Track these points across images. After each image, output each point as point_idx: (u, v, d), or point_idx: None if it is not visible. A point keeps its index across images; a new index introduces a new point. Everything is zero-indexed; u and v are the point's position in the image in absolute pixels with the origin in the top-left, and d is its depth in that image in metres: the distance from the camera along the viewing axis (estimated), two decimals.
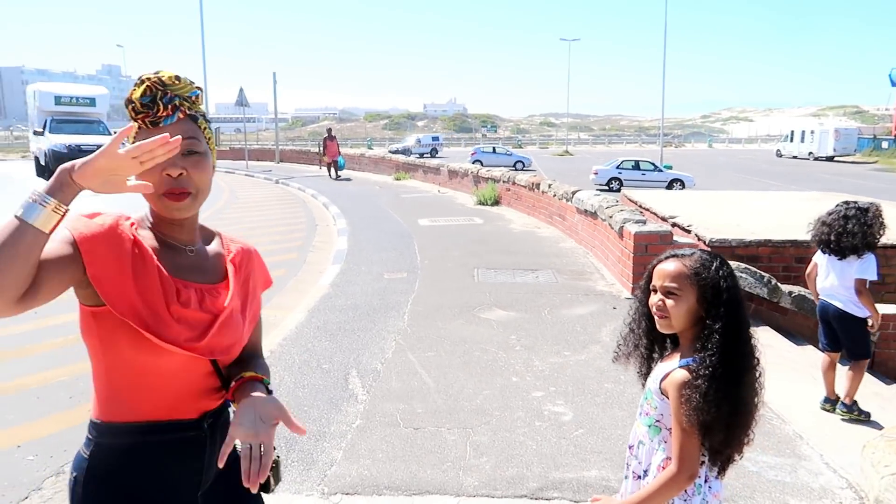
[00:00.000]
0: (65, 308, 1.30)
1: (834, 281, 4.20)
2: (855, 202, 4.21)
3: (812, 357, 5.23)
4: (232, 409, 1.44)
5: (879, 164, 41.51)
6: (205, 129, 1.43)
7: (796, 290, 6.25)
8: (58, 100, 23.05)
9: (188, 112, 1.38)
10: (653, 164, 25.49)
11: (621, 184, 23.23)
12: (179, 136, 1.25)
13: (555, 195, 11.16)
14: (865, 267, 4.06)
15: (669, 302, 1.73)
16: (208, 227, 1.57)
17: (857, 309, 4.11)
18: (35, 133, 23.96)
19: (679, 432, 1.67)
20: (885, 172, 35.03)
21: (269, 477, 1.48)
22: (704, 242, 7.49)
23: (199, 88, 1.41)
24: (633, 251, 6.85)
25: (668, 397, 1.73)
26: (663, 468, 1.74)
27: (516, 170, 23.68)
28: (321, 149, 23.36)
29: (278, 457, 1.50)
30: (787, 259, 7.36)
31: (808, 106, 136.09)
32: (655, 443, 1.79)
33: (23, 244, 1.13)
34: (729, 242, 7.34)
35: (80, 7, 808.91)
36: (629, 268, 6.95)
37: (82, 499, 1.38)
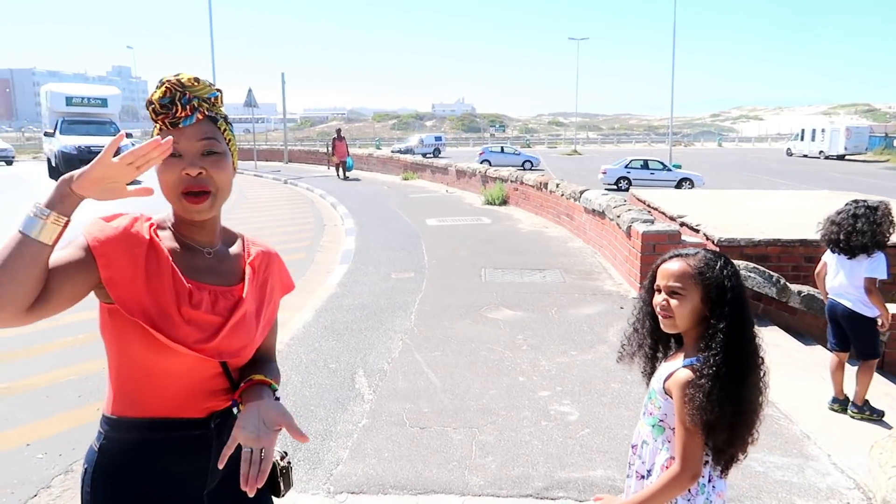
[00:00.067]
0: (74, 308, 1.32)
1: (843, 280, 4.17)
2: (864, 201, 4.18)
3: (821, 357, 5.19)
4: (237, 410, 1.45)
5: (891, 162, 41.15)
6: (225, 130, 1.44)
7: (805, 289, 6.21)
8: (69, 100, 22.84)
9: (207, 113, 1.40)
10: (662, 163, 25.40)
11: (630, 183, 23.16)
12: (171, 137, 1.27)
13: (563, 195, 11.14)
14: (875, 266, 4.03)
15: (673, 302, 1.73)
16: (231, 229, 1.58)
17: (867, 308, 4.08)
18: (46, 134, 23.93)
19: (682, 432, 1.67)
20: None
21: (279, 481, 1.51)
22: (713, 242, 7.46)
23: (218, 90, 1.42)
24: (641, 251, 6.83)
25: (671, 397, 1.72)
26: (667, 468, 1.73)
27: (524, 169, 23.69)
28: (330, 149, 23.38)
29: (289, 463, 1.52)
30: (796, 258, 7.32)
31: (819, 104, 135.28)
32: (659, 442, 1.79)
33: (25, 258, 1.17)
34: (738, 242, 7.30)
35: (90, 9, 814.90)
36: (637, 267, 6.93)
37: (91, 491, 1.41)
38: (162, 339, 1.31)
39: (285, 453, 1.53)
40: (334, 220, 13.14)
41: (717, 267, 1.71)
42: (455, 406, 4.12)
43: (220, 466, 1.34)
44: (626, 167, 24.78)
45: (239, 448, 1.35)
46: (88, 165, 1.23)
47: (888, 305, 4.19)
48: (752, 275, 6.18)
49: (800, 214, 9.00)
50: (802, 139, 48.65)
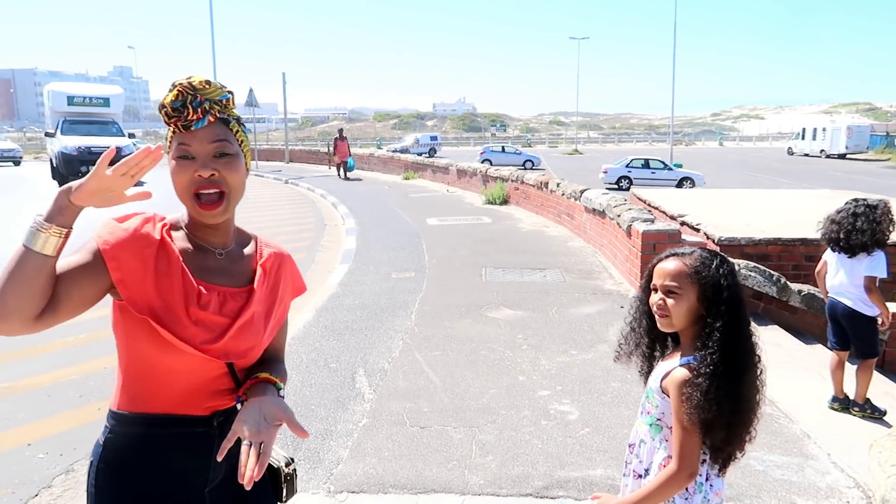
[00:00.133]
0: None
1: (843, 279, 4.17)
2: (864, 199, 4.18)
3: (821, 356, 5.19)
4: (240, 407, 1.46)
5: (892, 161, 41.09)
6: (237, 131, 1.45)
7: (806, 288, 6.21)
8: (70, 100, 22.17)
9: (219, 115, 1.41)
10: (662, 162, 25.38)
11: (631, 182, 23.15)
12: (160, 144, 1.31)
13: (563, 194, 11.14)
14: (875, 264, 4.03)
15: (670, 301, 1.73)
16: (246, 231, 1.60)
17: (867, 307, 4.08)
18: (46, 134, 23.66)
19: (680, 430, 1.67)
20: None
21: (283, 487, 1.52)
22: (713, 241, 7.46)
23: (229, 92, 1.44)
24: (641, 250, 6.83)
25: (669, 396, 1.73)
26: (665, 466, 1.73)
27: (525, 169, 23.70)
28: (331, 149, 23.36)
29: (294, 470, 1.53)
30: (796, 257, 7.32)
31: (820, 103, 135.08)
32: (657, 441, 1.79)
33: (29, 269, 1.21)
34: (738, 241, 7.30)
35: (91, 9, 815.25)
36: (637, 266, 6.93)
37: (95, 483, 1.44)
38: (169, 337, 1.33)
39: (292, 459, 1.54)
40: (335, 219, 13.14)
41: (714, 266, 1.71)
42: (455, 405, 4.12)
43: (220, 459, 1.34)
44: (627, 166, 24.77)
45: (240, 444, 1.36)
46: (84, 178, 1.25)
47: (888, 304, 4.19)
48: (753, 274, 6.18)
49: (800, 213, 9.00)
50: (803, 138, 48.60)
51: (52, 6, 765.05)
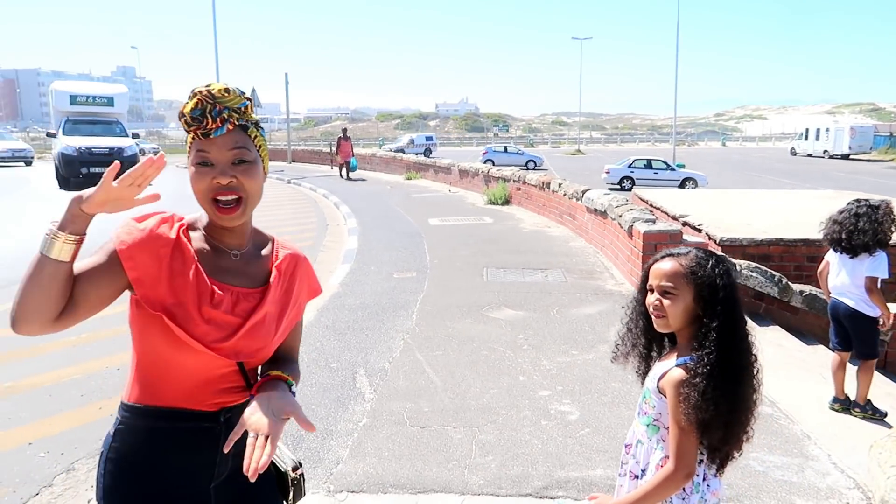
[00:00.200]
0: None
1: (845, 279, 4.17)
2: (866, 200, 4.18)
3: (822, 357, 5.18)
4: None
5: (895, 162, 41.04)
6: (255, 136, 1.48)
7: (807, 289, 6.20)
8: (73, 99, 21.43)
9: (237, 122, 1.43)
10: (665, 162, 25.35)
11: (633, 183, 23.12)
12: (163, 153, 1.34)
13: (565, 194, 11.13)
14: (876, 265, 4.03)
15: (666, 301, 1.73)
16: (263, 232, 1.63)
17: (869, 308, 4.08)
18: (48, 135, 23.28)
19: (677, 430, 1.67)
20: None
21: (291, 491, 1.54)
22: (715, 241, 7.45)
23: (248, 99, 1.46)
24: (643, 250, 6.83)
25: (666, 396, 1.73)
26: (662, 467, 1.73)
27: (528, 169, 23.70)
28: (334, 148, 23.35)
29: (302, 475, 1.55)
30: (798, 258, 7.31)
31: (824, 103, 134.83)
32: (654, 442, 1.79)
33: (45, 275, 1.27)
34: (740, 241, 7.30)
35: (94, 10, 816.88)
36: (638, 267, 6.92)
37: (104, 473, 1.48)
38: (180, 334, 1.37)
39: (299, 464, 1.56)
40: (337, 219, 13.16)
41: (709, 266, 1.71)
42: (455, 405, 4.13)
43: (226, 451, 1.37)
44: (629, 167, 24.74)
45: (247, 440, 1.38)
46: (94, 189, 1.30)
47: (890, 305, 4.18)
48: (754, 274, 6.17)
49: (803, 214, 8.99)
50: (806, 138, 48.50)
51: (55, 6, 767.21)
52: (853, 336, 4.19)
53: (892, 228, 4.04)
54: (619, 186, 23.42)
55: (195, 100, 1.40)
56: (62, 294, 1.29)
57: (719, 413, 1.63)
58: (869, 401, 4.10)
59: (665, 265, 1.76)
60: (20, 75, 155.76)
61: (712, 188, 20.82)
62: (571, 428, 3.82)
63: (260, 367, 1.56)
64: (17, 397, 4.45)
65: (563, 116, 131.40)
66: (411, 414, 4.01)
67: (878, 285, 4.05)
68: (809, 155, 47.11)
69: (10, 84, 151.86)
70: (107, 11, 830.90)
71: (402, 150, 40.85)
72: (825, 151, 45.68)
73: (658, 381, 1.77)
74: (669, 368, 1.74)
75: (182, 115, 1.41)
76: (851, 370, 4.25)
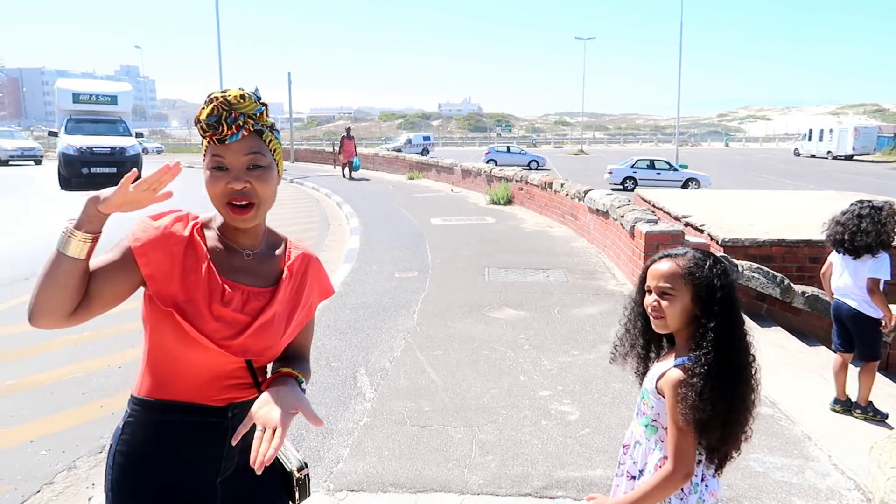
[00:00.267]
0: None
1: (848, 280, 4.16)
2: (869, 201, 4.17)
3: (824, 358, 5.17)
4: None
5: None
6: (270, 141, 1.50)
7: (809, 290, 6.19)
8: (76, 97, 20.88)
9: (253, 128, 1.45)
10: (668, 163, 25.34)
11: (636, 183, 23.09)
12: (178, 161, 1.37)
13: (567, 194, 11.13)
14: (879, 266, 4.02)
15: (664, 302, 1.73)
16: (276, 232, 1.66)
17: (871, 309, 4.07)
18: (50, 133, 22.60)
19: (675, 431, 1.67)
20: None
21: (296, 491, 1.55)
22: (717, 242, 7.44)
23: (263, 105, 1.48)
24: (645, 251, 6.82)
25: (664, 397, 1.73)
26: (660, 467, 1.73)
27: (530, 169, 23.67)
28: (337, 148, 23.33)
29: (307, 475, 1.56)
30: (800, 259, 7.31)
31: (827, 104, 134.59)
32: (652, 442, 1.79)
33: (61, 272, 1.31)
34: (742, 242, 7.29)
35: (98, 9, 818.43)
36: (640, 267, 6.89)
37: (112, 465, 1.51)
38: (190, 331, 1.40)
39: (305, 465, 1.57)
40: (339, 219, 13.17)
41: (707, 266, 1.71)
42: (456, 405, 4.13)
43: (234, 443, 1.39)
44: (632, 167, 24.72)
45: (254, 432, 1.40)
46: (111, 192, 1.33)
47: (892, 307, 4.17)
48: (756, 275, 6.16)
49: (805, 215, 8.97)
50: (810, 139, 48.41)
51: (59, 6, 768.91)
52: (855, 337, 4.19)
53: (895, 230, 4.03)
54: (621, 187, 23.39)
55: (211, 106, 1.42)
56: (78, 290, 1.33)
57: (717, 413, 1.63)
58: (870, 402, 4.09)
59: (663, 266, 1.76)
60: (24, 74, 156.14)
61: (715, 189, 20.80)
62: (571, 428, 3.82)
63: (271, 365, 1.59)
64: (19, 395, 4.46)
65: (567, 116, 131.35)
66: (412, 413, 4.01)
67: (881, 286, 4.05)
68: (813, 156, 47.02)
69: (14, 83, 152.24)
70: (110, 11, 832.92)
71: (399, 150, 40.88)
72: (829, 152, 45.59)
73: (656, 381, 1.77)
74: (668, 369, 1.74)
75: (198, 121, 1.44)
76: (853, 371, 4.24)
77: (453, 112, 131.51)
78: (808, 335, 6.00)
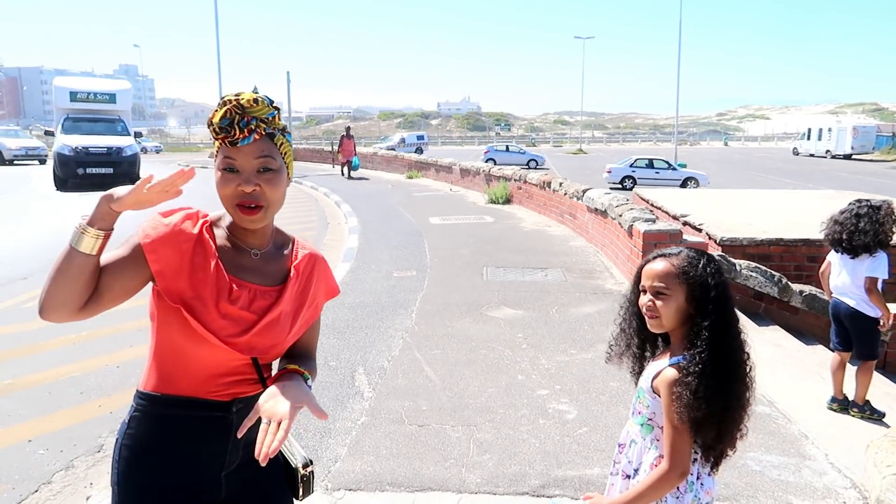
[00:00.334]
0: None
1: (846, 279, 4.17)
2: (868, 200, 4.18)
3: (821, 356, 5.18)
4: None
5: None
6: (281, 144, 1.52)
7: (807, 289, 6.20)
8: (73, 96, 20.27)
9: (265, 132, 1.47)
10: (667, 162, 25.35)
11: (635, 182, 23.11)
12: (193, 167, 1.40)
13: (565, 193, 11.13)
14: (876, 265, 4.03)
15: (659, 302, 1.74)
16: (284, 232, 1.67)
17: (870, 308, 4.08)
18: (46, 133, 22.45)
19: (671, 430, 1.68)
20: None
21: (300, 486, 1.57)
22: (715, 241, 7.46)
23: (276, 108, 1.50)
24: (643, 250, 6.82)
25: (659, 395, 1.73)
26: (656, 466, 1.74)
27: (529, 168, 23.69)
28: (336, 147, 23.30)
29: (312, 472, 1.58)
30: (798, 258, 7.32)
31: (826, 103, 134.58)
32: (648, 441, 1.80)
33: (73, 267, 1.34)
34: (740, 241, 7.31)
35: (97, 9, 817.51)
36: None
37: (118, 458, 1.54)
38: (197, 328, 1.42)
39: (310, 461, 1.59)
40: (338, 218, 13.16)
41: (701, 265, 1.72)
42: (454, 404, 4.13)
43: (240, 435, 1.41)
44: (630, 166, 24.73)
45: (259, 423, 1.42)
46: (125, 193, 1.36)
47: (890, 305, 4.18)
48: (754, 274, 6.17)
49: (804, 214, 8.99)
50: (809, 138, 48.44)
51: (58, 5, 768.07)
52: (853, 336, 4.19)
53: (893, 229, 4.04)
54: (620, 186, 23.41)
55: (224, 109, 1.43)
56: (88, 285, 1.36)
57: (713, 411, 1.64)
58: (867, 401, 4.10)
59: (657, 266, 1.76)
60: (23, 73, 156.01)
61: (714, 188, 20.80)
62: (569, 427, 3.83)
63: (277, 362, 1.61)
64: (17, 395, 4.46)
65: (566, 115, 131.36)
66: (410, 412, 4.01)
67: (879, 286, 4.05)
68: (812, 155, 47.05)
69: (12, 82, 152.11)
70: (109, 10, 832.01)
71: (392, 149, 40.85)
72: (827, 151, 45.62)
73: (652, 380, 1.77)
74: (663, 368, 1.74)
75: (210, 123, 1.46)
76: (850, 370, 4.25)
77: (452, 111, 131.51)
78: (806, 334, 6.01)
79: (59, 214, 13.03)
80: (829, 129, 47.51)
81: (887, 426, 3.93)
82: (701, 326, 1.67)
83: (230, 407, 1.52)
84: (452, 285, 7.15)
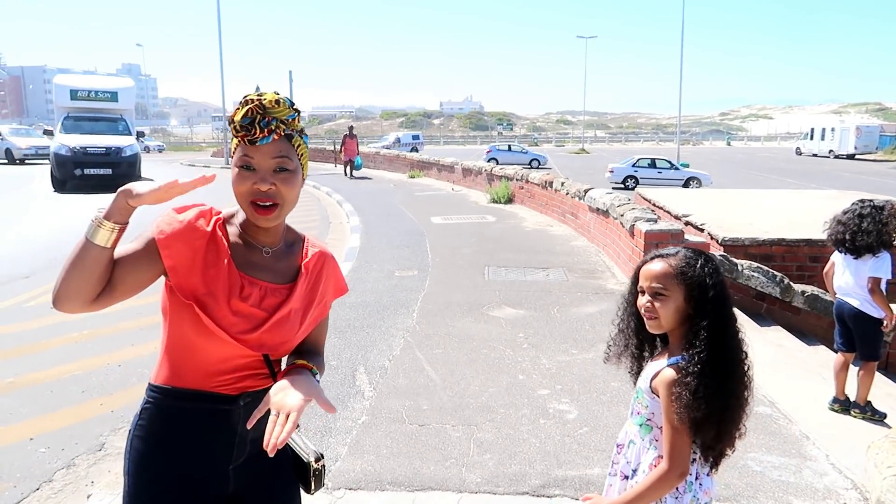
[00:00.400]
0: None
1: (849, 280, 4.16)
2: (871, 200, 4.17)
3: (823, 357, 5.17)
4: None
5: None
6: (299, 145, 1.55)
7: (809, 289, 6.18)
8: (74, 94, 19.76)
9: (283, 132, 1.49)
10: (669, 162, 25.31)
11: (637, 182, 23.08)
12: (214, 173, 1.43)
13: (567, 193, 11.13)
14: (880, 265, 4.02)
15: (657, 303, 1.74)
16: (295, 230, 1.69)
17: (873, 309, 4.07)
18: (46, 132, 21.11)
19: (670, 430, 1.68)
20: None
21: (311, 481, 1.58)
22: (717, 241, 7.44)
23: (296, 110, 1.52)
24: (644, 250, 6.81)
25: (658, 396, 1.73)
26: (655, 467, 1.74)
27: (532, 168, 23.68)
28: (339, 146, 23.29)
29: (323, 466, 1.59)
30: (801, 258, 7.30)
31: (829, 103, 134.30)
32: (647, 441, 1.80)
33: (88, 259, 1.36)
34: (742, 241, 7.29)
35: (99, 8, 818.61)
36: None
37: (130, 448, 1.57)
38: (209, 324, 1.45)
39: (322, 455, 1.60)
40: (340, 217, 13.18)
41: (699, 265, 1.71)
42: (454, 404, 4.13)
43: (249, 427, 1.45)
44: (633, 166, 24.69)
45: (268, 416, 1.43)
46: (146, 191, 1.37)
47: (893, 306, 4.17)
48: (756, 274, 6.16)
49: (806, 214, 8.97)
50: (812, 138, 48.35)
51: (61, 5, 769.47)
52: (856, 337, 4.18)
53: None
54: (622, 185, 23.38)
55: (246, 108, 1.45)
56: (102, 277, 1.38)
57: (712, 411, 1.64)
58: (869, 402, 4.09)
59: (655, 266, 1.76)
60: (26, 72, 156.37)
61: (716, 188, 20.77)
62: (570, 427, 3.83)
63: (286, 358, 1.63)
64: (19, 393, 4.47)
65: (568, 115, 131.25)
66: (410, 412, 4.01)
67: (882, 286, 4.04)
68: (815, 155, 46.97)
69: (15, 81, 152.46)
70: (111, 9, 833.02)
71: (389, 149, 40.74)
72: (830, 151, 45.53)
73: (650, 381, 1.77)
74: (661, 368, 1.74)
75: (231, 121, 1.47)
76: (852, 371, 4.24)
77: (455, 110, 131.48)
78: (808, 334, 6.00)
79: (61, 214, 13.05)
80: (833, 129, 47.42)
81: (889, 427, 3.92)
82: (699, 326, 1.67)
83: (237, 400, 1.55)
84: (454, 285, 7.15)
